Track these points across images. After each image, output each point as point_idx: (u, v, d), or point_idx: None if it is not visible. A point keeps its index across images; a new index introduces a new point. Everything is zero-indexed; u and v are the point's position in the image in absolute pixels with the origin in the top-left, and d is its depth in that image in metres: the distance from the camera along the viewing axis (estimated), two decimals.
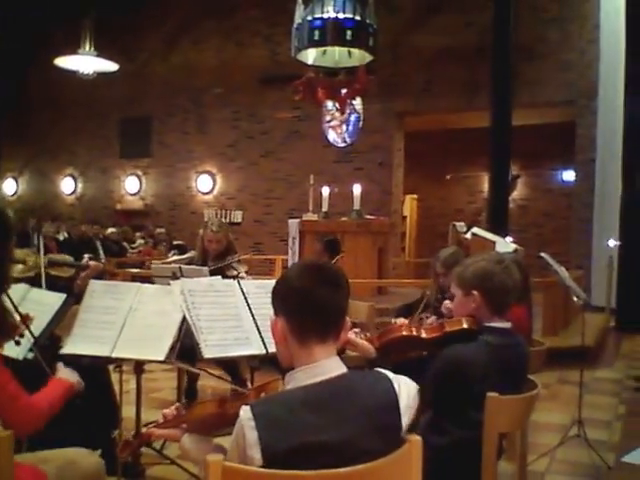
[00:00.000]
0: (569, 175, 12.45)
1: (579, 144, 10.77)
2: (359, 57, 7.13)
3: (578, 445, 3.81)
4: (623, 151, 8.54)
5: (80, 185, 15.90)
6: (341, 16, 6.51)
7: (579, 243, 10.70)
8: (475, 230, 5.62)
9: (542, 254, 4.18)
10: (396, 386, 1.50)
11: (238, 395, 1.67)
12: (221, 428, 1.66)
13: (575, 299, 3.97)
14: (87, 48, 10.89)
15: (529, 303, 3.54)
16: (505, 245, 5.20)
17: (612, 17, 9.54)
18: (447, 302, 2.71)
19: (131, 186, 15.10)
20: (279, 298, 1.53)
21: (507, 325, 2.21)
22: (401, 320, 3.30)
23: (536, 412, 3.16)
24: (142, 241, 12.08)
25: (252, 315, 2.82)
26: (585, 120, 10.57)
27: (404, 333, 2.25)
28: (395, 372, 1.56)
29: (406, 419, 1.50)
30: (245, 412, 1.36)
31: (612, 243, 8.47)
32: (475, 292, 2.19)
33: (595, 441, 3.83)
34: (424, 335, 2.23)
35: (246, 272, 4.81)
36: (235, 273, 4.71)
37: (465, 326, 2.18)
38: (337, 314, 1.50)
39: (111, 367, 3.37)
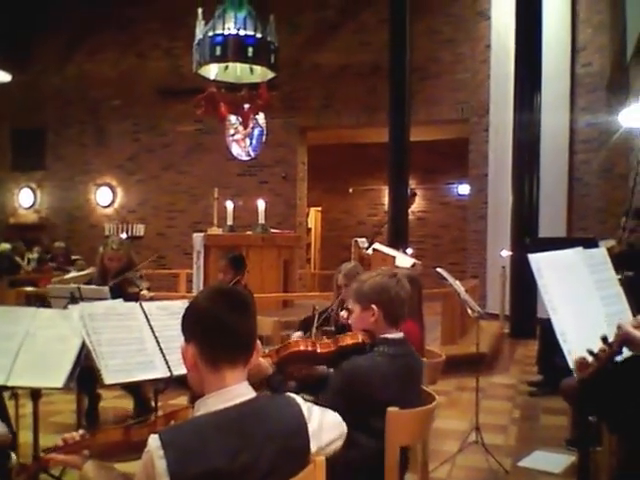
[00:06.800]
0: (464, 189, 12.99)
1: (472, 159, 11.29)
2: (261, 73, 7.18)
3: (477, 451, 3.97)
4: (513, 165, 8.96)
5: None
6: (242, 33, 6.53)
7: (474, 253, 11.21)
8: (376, 246, 5.78)
9: (438, 269, 4.34)
10: (305, 411, 1.54)
11: (145, 422, 1.65)
12: (126, 455, 1.63)
13: (470, 312, 4.15)
14: None
15: (421, 317, 3.69)
16: (404, 259, 5.38)
17: (502, 37, 10.00)
18: (343, 313, 2.82)
19: (25, 199, 14.41)
20: (188, 325, 1.52)
21: (400, 335, 2.30)
22: (299, 334, 3.34)
23: (437, 419, 3.29)
24: (37, 255, 11.45)
25: (155, 338, 2.77)
26: (477, 137, 11.09)
27: (300, 348, 2.27)
28: (300, 388, 1.60)
29: (316, 443, 1.53)
30: (154, 440, 1.34)
31: (504, 253, 8.85)
32: (374, 306, 2.27)
33: (492, 446, 4.01)
34: (319, 350, 2.27)
35: (148, 289, 4.70)
36: (137, 290, 4.61)
37: (360, 340, 2.25)
38: (247, 338, 1.52)
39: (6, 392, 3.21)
